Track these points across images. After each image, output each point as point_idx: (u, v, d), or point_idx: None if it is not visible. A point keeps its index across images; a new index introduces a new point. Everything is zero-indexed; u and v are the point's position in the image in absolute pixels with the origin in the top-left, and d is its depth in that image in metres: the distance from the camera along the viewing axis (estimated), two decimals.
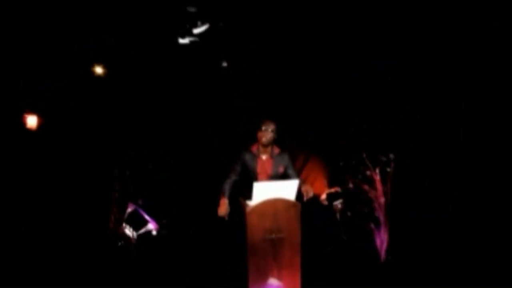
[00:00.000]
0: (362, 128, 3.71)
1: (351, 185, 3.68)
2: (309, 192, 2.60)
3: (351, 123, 3.79)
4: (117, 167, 2.62)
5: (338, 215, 4.43)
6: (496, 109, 3.20)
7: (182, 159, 3.51)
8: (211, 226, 3.10)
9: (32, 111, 3.56)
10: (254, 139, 2.77)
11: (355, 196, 3.53)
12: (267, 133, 2.69)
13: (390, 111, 3.58)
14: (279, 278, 2.37)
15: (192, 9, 3.20)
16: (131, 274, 2.87)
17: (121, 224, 2.47)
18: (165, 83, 3.70)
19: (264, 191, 2.36)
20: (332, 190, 4.54)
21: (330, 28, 3.55)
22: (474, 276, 2.73)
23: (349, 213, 3.77)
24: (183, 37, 3.32)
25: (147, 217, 4.02)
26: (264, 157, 2.78)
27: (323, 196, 4.50)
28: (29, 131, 3.53)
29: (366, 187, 3.23)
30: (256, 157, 2.76)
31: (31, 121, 3.66)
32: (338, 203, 4.44)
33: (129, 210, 3.83)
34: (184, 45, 3.43)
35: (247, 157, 2.75)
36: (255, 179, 2.67)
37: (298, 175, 2.93)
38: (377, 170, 3.19)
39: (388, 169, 3.05)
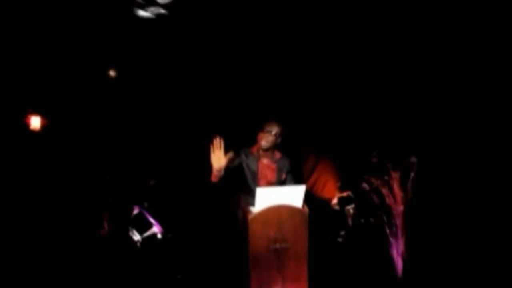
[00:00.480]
0: (362, 128, 3.67)
1: (365, 190, 3.44)
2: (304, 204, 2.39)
3: (351, 123, 3.74)
4: (110, 169, 2.47)
5: (350, 221, 4.21)
6: (496, 109, 3.14)
7: (182, 159, 3.39)
8: (211, 229, 2.95)
9: (36, 112, 3.50)
10: (255, 139, 2.53)
11: (369, 202, 3.29)
12: (269, 136, 2.45)
13: (390, 111, 3.53)
14: None
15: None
16: (132, 278, 2.75)
17: (115, 229, 2.33)
18: (165, 83, 3.62)
19: (268, 197, 2.17)
20: (344, 194, 4.31)
21: (330, 28, 3.49)
22: None
23: (362, 220, 3.55)
24: (143, 8, 3.17)
25: (152, 220, 3.93)
26: (265, 161, 2.54)
27: (334, 201, 4.28)
28: (33, 132, 3.46)
29: (382, 192, 2.99)
30: (257, 160, 2.52)
31: (35, 122, 3.60)
32: (350, 208, 4.21)
33: (135, 212, 3.77)
34: (183, 45, 3.35)
35: (247, 157, 2.51)
36: (255, 184, 2.46)
37: (295, 181, 2.66)
38: (396, 174, 2.94)
39: (407, 174, 2.81)
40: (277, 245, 2.18)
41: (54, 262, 2.65)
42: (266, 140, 2.45)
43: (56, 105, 3.49)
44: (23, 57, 3.34)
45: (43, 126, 3.48)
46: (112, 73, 3.64)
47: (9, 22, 3.17)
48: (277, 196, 2.18)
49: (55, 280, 2.47)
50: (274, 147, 2.52)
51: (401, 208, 2.70)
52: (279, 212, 2.19)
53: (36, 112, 3.49)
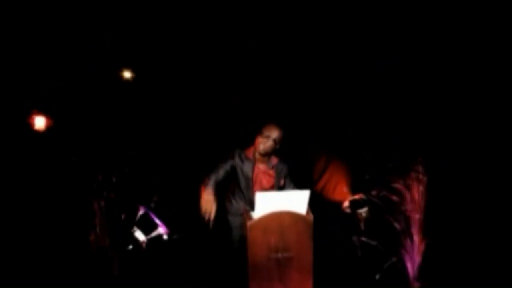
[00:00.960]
0: (362, 128, 3.65)
1: (379, 193, 3.21)
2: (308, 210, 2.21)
3: (351, 123, 3.70)
4: (109, 170, 2.36)
5: (362, 225, 3.99)
6: (497, 109, 3.12)
7: (182, 159, 3.29)
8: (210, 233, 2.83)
9: (40, 112, 3.46)
10: (254, 141, 2.33)
11: (383, 207, 3.07)
12: (268, 141, 2.24)
13: (390, 111, 3.51)
14: None
15: None
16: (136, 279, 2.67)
17: (106, 236, 2.23)
18: (165, 83, 3.57)
19: (269, 203, 2.00)
20: (356, 196, 4.10)
21: (330, 28, 3.45)
22: None
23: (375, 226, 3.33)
24: None
25: (157, 220, 3.86)
26: (261, 166, 2.34)
27: (346, 203, 4.06)
28: (35, 132, 3.43)
29: (397, 197, 2.74)
30: (252, 164, 2.31)
31: (39, 122, 3.55)
32: (362, 212, 3.99)
33: (140, 213, 3.72)
34: (183, 45, 3.34)
35: (243, 162, 2.29)
36: (248, 190, 2.28)
37: (294, 186, 2.48)
38: (413, 179, 2.69)
39: (422, 178, 2.57)
40: (279, 254, 2.02)
41: (56, 261, 2.58)
42: (264, 145, 2.25)
43: (59, 105, 3.46)
44: (27, 57, 3.31)
45: (47, 126, 3.45)
46: (127, 74, 3.60)
47: (14, 23, 3.15)
48: (278, 202, 2.01)
49: (58, 279, 2.39)
50: (272, 153, 2.32)
51: (417, 216, 2.46)
52: (280, 218, 2.02)
53: (41, 112, 3.47)
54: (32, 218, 2.72)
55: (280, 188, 2.37)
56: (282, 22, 3.46)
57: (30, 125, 3.34)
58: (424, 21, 3.23)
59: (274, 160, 2.38)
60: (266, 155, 2.31)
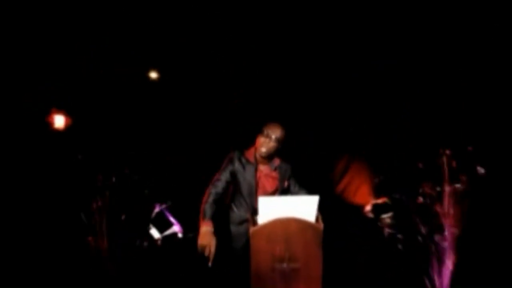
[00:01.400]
0: (362, 128, 3.64)
1: (404, 197, 2.92)
2: (320, 218, 2.01)
3: (351, 123, 3.68)
4: (101, 172, 2.31)
5: (386, 232, 3.71)
6: (497, 109, 3.08)
7: (182, 159, 3.22)
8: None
9: (60, 111, 3.50)
10: (254, 141, 2.15)
11: (411, 215, 2.78)
12: (270, 141, 2.05)
13: (390, 111, 3.52)
14: None
15: None
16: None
17: (105, 237, 2.16)
18: (165, 83, 3.56)
19: (273, 209, 1.83)
20: (380, 200, 3.82)
21: (330, 28, 3.43)
22: None
23: (399, 234, 3.04)
24: None
25: (172, 219, 3.82)
26: (264, 168, 2.15)
27: (368, 207, 3.80)
28: (56, 131, 3.47)
29: (430, 206, 2.43)
30: (254, 167, 2.12)
31: (59, 121, 3.58)
32: (386, 217, 3.71)
33: (156, 211, 3.71)
34: (183, 45, 3.32)
35: (244, 166, 2.10)
36: (250, 196, 2.11)
37: (300, 185, 2.29)
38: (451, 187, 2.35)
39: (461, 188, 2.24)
40: (284, 265, 1.85)
41: (52, 260, 2.57)
42: (266, 146, 2.06)
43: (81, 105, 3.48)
44: (48, 56, 3.35)
45: (66, 125, 3.47)
46: (153, 74, 3.60)
47: (33, 23, 3.18)
48: (284, 207, 1.84)
49: (54, 278, 2.38)
50: (275, 154, 2.13)
51: (453, 230, 2.15)
52: (286, 226, 1.84)
53: (60, 110, 3.50)
54: (31, 216, 2.73)
55: (284, 190, 2.19)
56: (282, 22, 3.40)
57: (49, 124, 3.38)
58: (424, 21, 3.20)
59: (277, 160, 2.20)
60: (269, 157, 2.13)
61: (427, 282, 2.21)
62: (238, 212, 2.12)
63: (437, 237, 2.13)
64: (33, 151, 3.08)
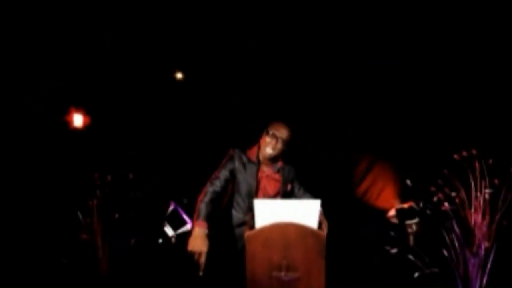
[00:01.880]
0: (362, 128, 3.60)
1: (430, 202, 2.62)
2: (325, 223, 1.83)
3: (351, 123, 3.65)
4: (97, 171, 2.27)
5: (411, 240, 3.41)
6: (498, 109, 3.04)
7: (182, 159, 3.16)
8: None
9: (79, 110, 3.57)
10: (255, 140, 2.03)
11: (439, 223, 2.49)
12: (277, 143, 1.92)
13: (390, 111, 3.51)
14: None
15: None
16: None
17: (99, 235, 2.12)
18: (165, 83, 3.53)
19: (271, 212, 1.69)
20: (405, 205, 3.52)
21: (331, 28, 3.41)
22: None
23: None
24: None
25: (186, 217, 3.81)
26: (266, 170, 2.01)
27: (392, 212, 3.51)
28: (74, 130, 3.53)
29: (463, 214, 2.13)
30: (256, 167, 1.98)
31: (77, 120, 3.62)
32: (412, 223, 3.40)
33: (171, 208, 3.71)
34: (182, 45, 3.30)
35: (244, 165, 1.97)
36: (250, 199, 1.96)
37: (305, 188, 2.15)
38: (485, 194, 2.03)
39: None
40: (282, 274, 1.71)
41: (46, 258, 2.62)
42: (273, 148, 1.93)
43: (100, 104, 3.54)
44: (67, 55, 3.43)
45: (84, 125, 3.52)
46: (179, 75, 3.63)
47: (53, 19, 3.24)
48: (282, 212, 1.68)
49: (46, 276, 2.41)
50: (280, 155, 1.99)
51: (486, 244, 1.86)
52: (285, 231, 1.69)
53: (79, 109, 3.57)
54: (26, 215, 2.76)
55: (287, 194, 2.03)
56: (282, 21, 3.36)
57: (68, 123, 3.45)
58: (424, 21, 3.18)
59: (280, 162, 2.05)
60: (274, 159, 1.99)
61: None
62: (236, 214, 2.00)
63: (464, 252, 1.86)
64: (41, 149, 3.16)
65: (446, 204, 1.91)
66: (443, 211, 2.01)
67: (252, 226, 1.78)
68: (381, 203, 3.60)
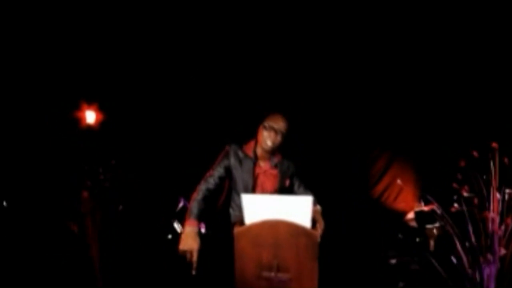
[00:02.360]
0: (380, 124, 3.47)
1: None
2: (321, 224, 1.71)
3: (351, 123, 3.51)
4: (87, 162, 2.23)
5: (431, 245, 3.16)
6: (498, 110, 2.97)
7: (179, 158, 3.10)
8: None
9: (91, 106, 3.57)
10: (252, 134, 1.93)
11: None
12: (276, 135, 1.84)
13: (390, 110, 3.45)
14: None
15: None
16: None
17: (90, 226, 2.09)
18: (165, 83, 3.50)
19: (259, 208, 1.60)
20: (425, 208, 3.27)
21: (330, 27, 3.36)
22: None
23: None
24: None
25: None
26: (263, 165, 1.92)
27: (410, 215, 3.28)
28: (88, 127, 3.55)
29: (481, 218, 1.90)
30: (252, 162, 1.90)
31: (90, 117, 3.59)
32: (433, 227, 3.16)
33: (180, 205, 3.73)
34: (182, 45, 3.27)
35: (240, 161, 1.89)
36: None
37: (306, 186, 2.05)
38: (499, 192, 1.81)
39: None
40: (272, 274, 1.61)
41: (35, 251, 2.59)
42: (272, 141, 1.84)
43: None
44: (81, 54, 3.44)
45: (97, 121, 3.54)
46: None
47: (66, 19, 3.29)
48: (272, 208, 1.59)
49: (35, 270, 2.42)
50: (277, 149, 1.90)
51: (500, 250, 1.65)
52: (275, 229, 1.59)
53: (91, 105, 3.59)
54: (17, 208, 2.78)
55: (285, 189, 1.93)
56: (282, 21, 3.30)
57: (80, 120, 3.47)
58: (424, 20, 3.13)
59: (278, 156, 1.96)
60: (273, 152, 1.90)
61: None
62: (233, 212, 1.92)
63: (478, 259, 1.66)
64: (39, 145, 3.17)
65: (456, 205, 1.72)
66: (456, 213, 1.81)
67: (241, 223, 1.71)
68: (399, 205, 3.37)
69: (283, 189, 1.94)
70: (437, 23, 3.13)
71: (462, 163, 1.78)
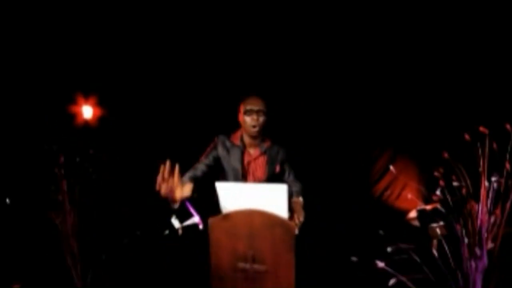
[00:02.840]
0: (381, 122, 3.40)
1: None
2: (299, 216, 1.65)
3: (350, 122, 3.47)
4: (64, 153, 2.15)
5: (435, 245, 3.02)
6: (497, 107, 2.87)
7: (179, 156, 3.11)
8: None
9: (88, 101, 3.54)
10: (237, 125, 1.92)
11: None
12: (260, 116, 1.82)
13: (390, 109, 3.40)
14: None
15: None
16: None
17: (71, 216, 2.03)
18: (164, 83, 3.49)
19: (234, 197, 1.57)
20: (428, 206, 3.13)
21: (332, 25, 3.32)
22: None
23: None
24: None
25: (192, 210, 3.83)
26: (252, 152, 1.90)
27: (412, 214, 3.16)
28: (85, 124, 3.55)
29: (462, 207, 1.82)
30: (240, 150, 1.89)
31: (87, 112, 3.57)
32: (436, 227, 3.01)
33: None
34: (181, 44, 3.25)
35: (228, 150, 1.88)
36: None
37: (296, 175, 2.00)
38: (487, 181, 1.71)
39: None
40: (247, 265, 1.57)
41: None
42: (256, 123, 1.82)
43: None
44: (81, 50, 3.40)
45: (95, 116, 3.52)
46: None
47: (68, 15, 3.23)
48: (247, 196, 1.55)
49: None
50: (262, 130, 1.87)
51: (490, 244, 1.53)
52: (250, 219, 1.55)
53: (87, 100, 3.51)
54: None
55: (275, 176, 1.90)
56: (281, 18, 3.27)
57: (77, 115, 3.45)
58: (425, 20, 3.07)
59: (267, 142, 1.94)
60: (259, 135, 1.89)
61: None
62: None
63: (464, 254, 1.55)
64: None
65: (438, 192, 1.62)
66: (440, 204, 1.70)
67: (219, 211, 1.68)
68: (401, 203, 3.25)
69: (273, 176, 1.91)
70: (432, 17, 3.06)
71: (445, 155, 1.67)
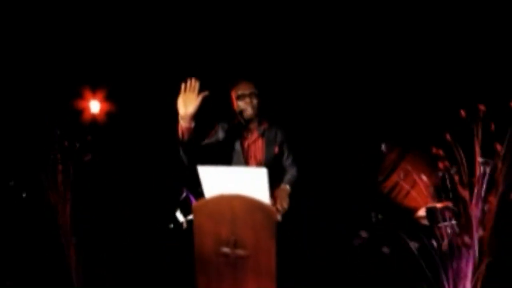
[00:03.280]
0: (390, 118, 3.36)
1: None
2: (282, 202, 1.64)
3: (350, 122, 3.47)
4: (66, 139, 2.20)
5: (445, 245, 2.87)
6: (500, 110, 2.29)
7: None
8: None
9: (95, 95, 3.60)
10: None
11: None
12: (253, 98, 1.86)
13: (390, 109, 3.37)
14: None
15: None
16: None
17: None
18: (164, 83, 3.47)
19: (216, 181, 1.58)
20: (439, 205, 2.98)
21: (337, 22, 3.33)
22: None
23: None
24: None
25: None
26: (251, 135, 1.94)
27: (421, 212, 3.03)
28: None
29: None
30: (242, 136, 1.92)
31: (94, 107, 3.66)
32: (446, 226, 2.86)
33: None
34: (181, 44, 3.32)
35: (227, 134, 1.90)
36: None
37: (294, 158, 1.99)
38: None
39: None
40: (229, 250, 1.57)
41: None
42: (250, 106, 1.87)
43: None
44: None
45: (102, 111, 3.60)
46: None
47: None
48: (228, 180, 1.56)
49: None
50: (258, 112, 1.91)
51: (480, 232, 1.44)
52: (231, 204, 1.55)
53: (95, 94, 3.59)
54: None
55: (274, 158, 1.91)
56: (284, 16, 3.30)
57: (84, 109, 3.56)
58: (425, 20, 3.09)
59: (265, 124, 1.97)
60: (255, 117, 1.92)
61: None
62: None
63: (454, 242, 1.46)
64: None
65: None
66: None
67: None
68: (411, 201, 3.12)
69: (272, 157, 1.92)
70: (432, 12, 3.04)
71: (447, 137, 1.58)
